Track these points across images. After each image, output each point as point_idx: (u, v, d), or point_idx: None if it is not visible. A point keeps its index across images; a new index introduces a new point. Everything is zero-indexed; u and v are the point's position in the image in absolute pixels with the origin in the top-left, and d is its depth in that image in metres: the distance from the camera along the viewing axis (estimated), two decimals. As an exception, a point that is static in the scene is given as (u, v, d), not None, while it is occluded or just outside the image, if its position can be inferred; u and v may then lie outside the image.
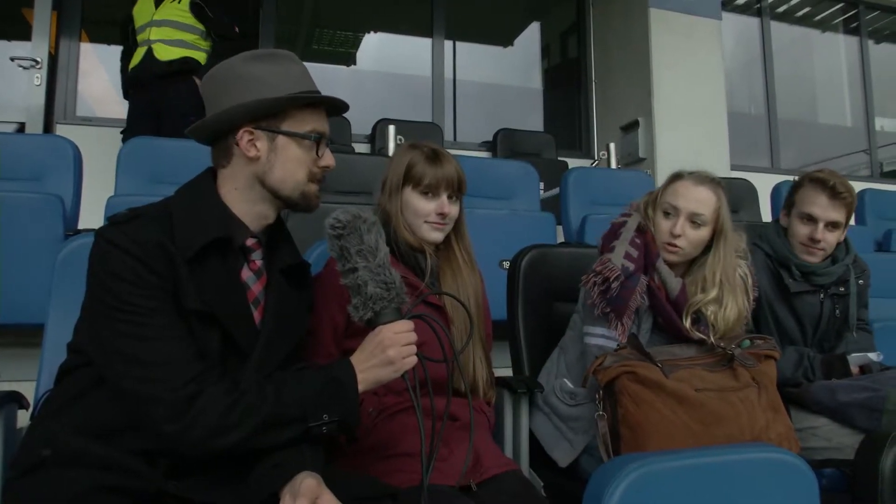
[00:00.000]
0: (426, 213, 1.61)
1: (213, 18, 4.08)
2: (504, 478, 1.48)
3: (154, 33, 4.00)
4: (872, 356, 2.10)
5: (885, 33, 7.79)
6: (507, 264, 2.20)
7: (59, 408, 1.19)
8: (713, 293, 1.74)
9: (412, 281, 1.56)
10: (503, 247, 2.57)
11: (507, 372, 2.10)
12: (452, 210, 1.64)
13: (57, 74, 4.90)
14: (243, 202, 1.29)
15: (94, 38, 5.19)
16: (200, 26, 4.11)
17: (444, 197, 1.62)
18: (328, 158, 1.32)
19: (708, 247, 1.81)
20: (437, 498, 1.28)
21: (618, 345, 1.70)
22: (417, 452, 1.22)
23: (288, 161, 1.28)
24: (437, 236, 1.64)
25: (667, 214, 1.80)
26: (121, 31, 4.23)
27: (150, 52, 3.99)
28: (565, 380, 1.83)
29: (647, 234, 1.81)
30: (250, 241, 1.30)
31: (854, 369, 2.08)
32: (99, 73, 5.19)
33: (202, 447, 1.10)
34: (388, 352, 1.19)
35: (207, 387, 1.10)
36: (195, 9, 4.06)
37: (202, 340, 1.17)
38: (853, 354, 2.11)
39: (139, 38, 4.05)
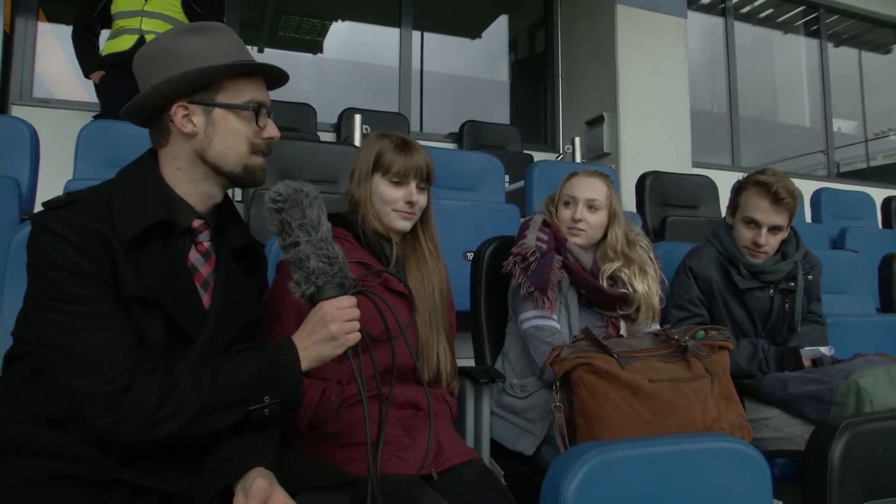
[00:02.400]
0: (394, 201, 1.62)
1: (201, 14, 4.08)
2: (465, 467, 1.48)
3: (146, 24, 3.97)
4: (824, 350, 2.16)
5: (844, 37, 7.98)
6: (470, 255, 2.21)
7: (7, 395, 1.16)
8: (619, 261, 2.00)
9: (377, 268, 1.57)
10: (467, 238, 2.58)
11: (470, 363, 2.11)
12: (421, 199, 1.65)
13: (12, 54, 4.73)
14: (187, 182, 1.25)
15: (52, 18, 5.02)
16: (188, 22, 4.08)
17: (412, 185, 1.63)
18: (271, 129, 1.28)
19: (607, 231, 2.05)
20: (397, 486, 1.28)
21: (550, 320, 1.89)
22: (376, 442, 1.22)
23: (227, 134, 1.24)
24: (405, 225, 1.65)
25: (567, 204, 2.05)
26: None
27: (143, 41, 3.92)
28: (514, 379, 1.94)
29: (553, 227, 2.05)
30: (197, 223, 1.26)
31: (806, 362, 2.13)
32: (57, 54, 5.03)
33: (136, 440, 1.06)
34: (330, 327, 1.17)
35: (139, 379, 1.07)
36: (185, 5, 4.06)
37: (144, 328, 1.13)
38: (806, 348, 2.17)
39: (125, 23, 3.99)
